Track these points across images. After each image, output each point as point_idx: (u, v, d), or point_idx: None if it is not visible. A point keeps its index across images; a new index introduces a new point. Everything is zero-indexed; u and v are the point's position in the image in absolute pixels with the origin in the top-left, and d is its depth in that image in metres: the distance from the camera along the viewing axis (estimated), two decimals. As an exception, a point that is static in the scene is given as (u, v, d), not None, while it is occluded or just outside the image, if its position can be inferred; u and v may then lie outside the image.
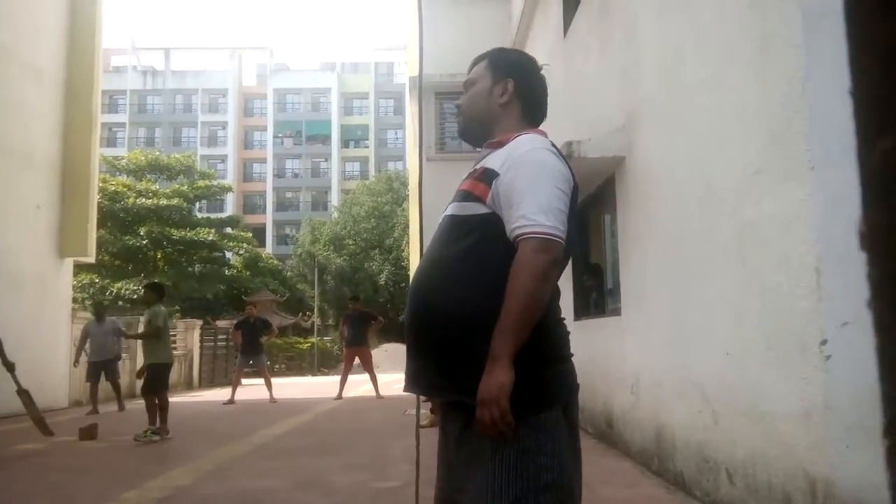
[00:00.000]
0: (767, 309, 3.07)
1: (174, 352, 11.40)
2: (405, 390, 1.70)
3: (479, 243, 1.57)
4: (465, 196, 1.63)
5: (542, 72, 1.86)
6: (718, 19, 3.66)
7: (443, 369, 1.57)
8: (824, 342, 2.61)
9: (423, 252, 1.77)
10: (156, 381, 7.48)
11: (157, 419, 7.33)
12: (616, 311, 5.51)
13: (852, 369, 2.51)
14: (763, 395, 3.10)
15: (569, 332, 1.65)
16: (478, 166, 1.69)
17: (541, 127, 1.83)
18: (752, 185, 3.24)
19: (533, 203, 1.51)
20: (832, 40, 2.59)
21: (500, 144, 1.69)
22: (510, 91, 1.75)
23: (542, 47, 9.18)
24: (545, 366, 1.55)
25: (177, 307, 27.41)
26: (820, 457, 2.66)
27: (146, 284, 8.37)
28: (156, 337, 7.51)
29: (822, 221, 2.66)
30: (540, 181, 1.54)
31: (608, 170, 5.51)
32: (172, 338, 15.28)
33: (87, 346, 10.83)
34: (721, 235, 3.59)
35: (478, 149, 1.80)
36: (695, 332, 3.97)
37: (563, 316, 1.66)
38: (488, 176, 1.60)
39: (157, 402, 7.38)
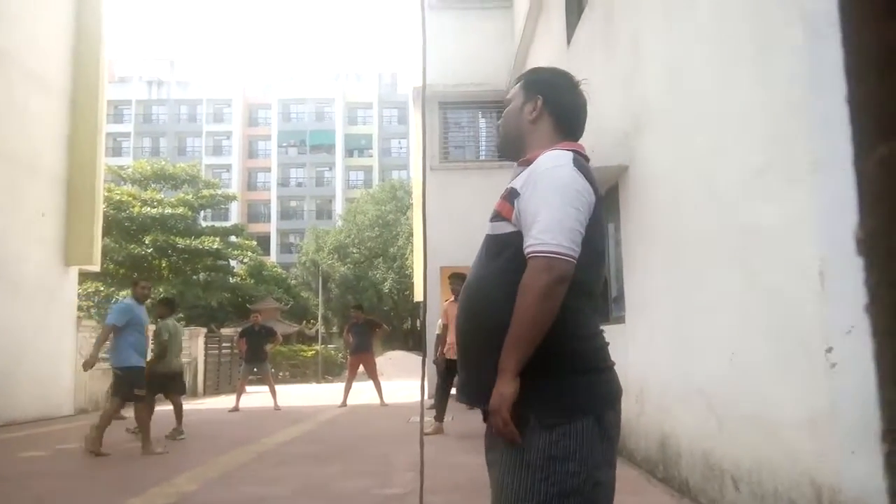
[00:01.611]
0: (772, 315, 3.08)
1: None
2: (457, 400, 1.84)
3: (510, 262, 1.63)
4: (495, 215, 1.70)
5: (581, 86, 1.88)
6: (720, 26, 3.69)
7: (483, 381, 1.64)
8: (830, 349, 2.62)
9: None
10: (177, 384, 8.05)
11: (177, 421, 7.85)
12: (620, 319, 5.52)
13: (858, 376, 2.51)
14: (768, 403, 3.10)
15: (607, 343, 1.70)
16: (509, 185, 1.74)
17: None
18: (754, 191, 3.25)
19: (543, 222, 1.56)
20: (833, 45, 2.61)
21: (530, 162, 1.73)
22: (539, 108, 1.80)
23: (546, 57, 9.22)
24: (575, 377, 1.61)
25: (181, 315, 27.46)
26: (825, 464, 2.66)
27: (160, 300, 8.67)
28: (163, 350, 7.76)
29: (825, 226, 2.66)
30: (552, 200, 1.58)
31: (612, 179, 5.53)
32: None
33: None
34: (724, 242, 3.60)
35: (517, 164, 1.85)
36: (699, 339, 3.97)
37: (601, 329, 1.71)
38: (512, 195, 1.67)
39: (174, 403, 7.92)
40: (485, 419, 1.77)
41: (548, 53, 9.08)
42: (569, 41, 7.64)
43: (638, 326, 5.14)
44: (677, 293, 4.33)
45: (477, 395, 1.70)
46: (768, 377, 3.10)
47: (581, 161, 1.70)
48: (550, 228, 1.54)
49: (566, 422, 1.56)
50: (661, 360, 4.61)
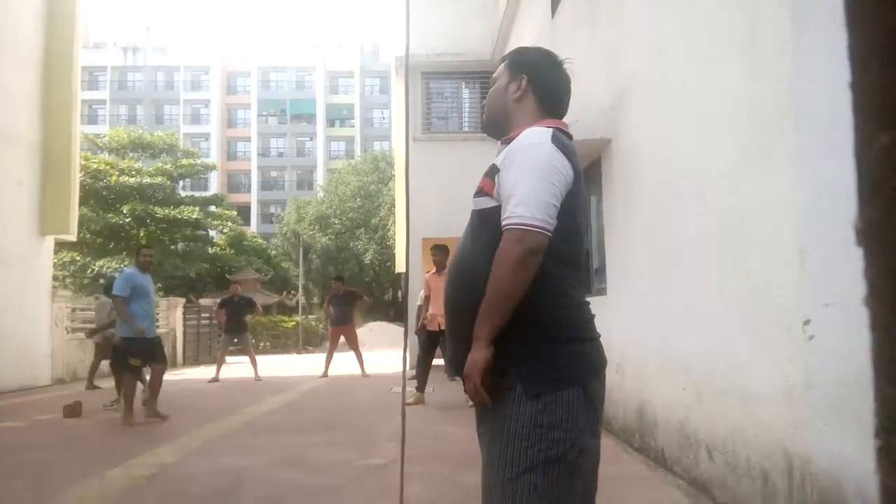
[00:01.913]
0: (751, 290, 3.12)
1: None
2: (445, 372, 1.86)
3: (493, 236, 1.66)
4: (479, 191, 1.75)
5: (565, 65, 1.91)
6: (708, 6, 3.66)
7: (467, 352, 1.68)
8: (807, 322, 2.66)
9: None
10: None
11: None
12: (602, 291, 5.56)
13: (835, 349, 2.56)
14: (746, 374, 3.15)
15: (593, 315, 1.73)
16: (493, 161, 1.78)
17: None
18: (737, 170, 3.26)
19: (518, 196, 1.60)
20: (821, 36, 2.62)
21: (511, 140, 1.77)
22: (523, 86, 1.84)
23: (530, 29, 9.14)
24: (560, 346, 1.65)
25: (159, 285, 27.24)
26: (798, 435, 2.72)
27: (108, 278, 8.76)
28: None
29: (806, 206, 2.69)
30: (528, 175, 1.62)
31: (595, 152, 5.53)
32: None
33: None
34: (706, 218, 3.62)
35: (501, 142, 1.88)
36: (679, 311, 4.02)
37: (586, 300, 1.74)
38: (492, 172, 1.71)
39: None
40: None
41: (532, 26, 9.00)
42: (553, 13, 7.56)
43: (619, 298, 5.18)
44: (658, 267, 4.37)
45: (463, 366, 1.73)
46: (746, 350, 3.15)
47: (561, 137, 1.72)
48: (525, 202, 1.59)
49: (552, 391, 1.60)
50: (641, 332, 4.66)
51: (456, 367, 1.78)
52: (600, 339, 1.74)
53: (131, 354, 6.81)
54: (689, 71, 3.90)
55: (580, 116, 5.59)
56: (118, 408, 7.82)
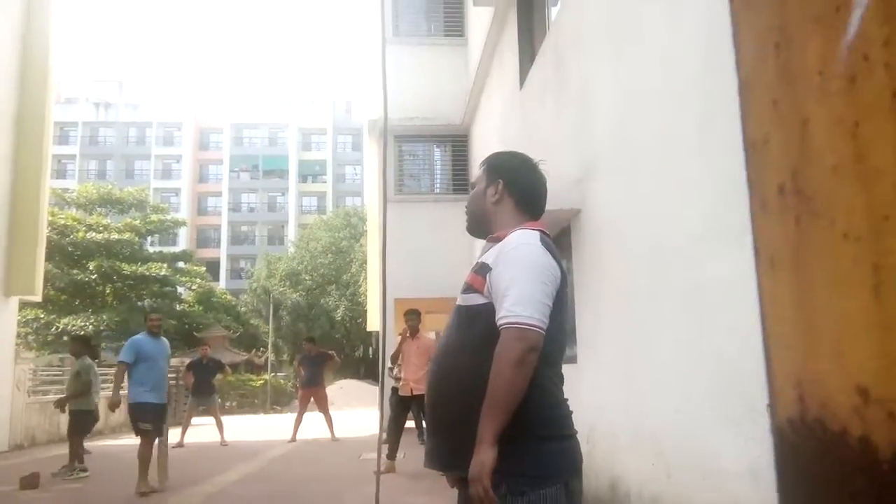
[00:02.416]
0: (716, 369, 3.19)
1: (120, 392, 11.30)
2: (424, 465, 1.87)
3: (481, 332, 1.73)
4: (468, 288, 1.81)
5: (541, 166, 2.03)
6: (665, 87, 3.85)
7: (452, 448, 1.74)
8: (770, 405, 2.72)
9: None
10: (83, 426, 8.26)
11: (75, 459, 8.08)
12: (573, 359, 5.61)
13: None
14: (713, 453, 3.19)
15: (571, 412, 1.78)
16: (480, 259, 1.85)
17: None
18: (697, 249, 3.38)
19: (514, 296, 1.67)
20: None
21: (499, 239, 1.85)
22: (500, 190, 1.94)
23: (499, 96, 9.42)
24: (544, 444, 1.69)
25: (124, 343, 26.60)
26: (767, 514, 2.75)
27: (72, 337, 8.98)
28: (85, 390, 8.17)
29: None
30: (522, 276, 1.70)
31: (564, 221, 5.66)
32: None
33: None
34: (670, 295, 3.72)
35: (486, 241, 1.96)
36: (647, 386, 4.07)
37: (566, 398, 1.80)
38: (483, 270, 1.78)
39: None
40: (452, 485, 1.85)
41: (501, 94, 9.27)
42: (521, 84, 7.82)
43: (589, 367, 5.23)
44: (627, 339, 4.44)
45: (450, 462, 1.78)
46: (713, 428, 3.20)
47: (547, 240, 1.83)
48: (522, 301, 1.66)
49: (536, 489, 1.64)
50: (611, 403, 4.69)
51: (440, 461, 1.82)
52: (577, 434, 1.79)
53: (142, 420, 6.66)
54: (649, 148, 4.06)
55: (550, 186, 5.75)
56: (75, 476, 7.86)
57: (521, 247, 1.76)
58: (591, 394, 5.04)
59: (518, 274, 1.70)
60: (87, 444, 8.78)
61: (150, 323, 7.13)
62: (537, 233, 1.84)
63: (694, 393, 3.40)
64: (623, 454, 4.43)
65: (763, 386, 2.71)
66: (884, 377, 0.58)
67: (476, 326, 1.75)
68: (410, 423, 9.21)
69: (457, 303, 1.86)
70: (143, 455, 6.67)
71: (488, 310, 1.73)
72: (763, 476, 2.78)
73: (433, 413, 1.84)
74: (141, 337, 7.02)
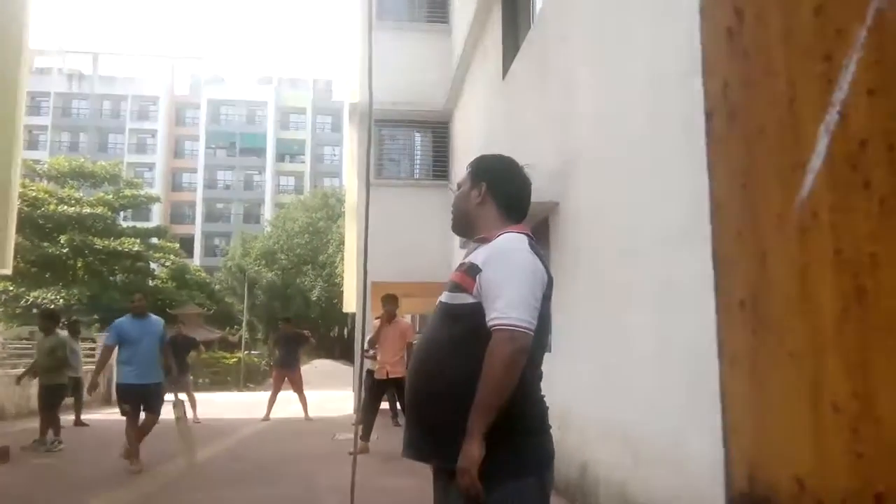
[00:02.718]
0: (686, 362, 3.28)
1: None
2: (403, 455, 1.93)
3: (467, 330, 1.79)
4: (455, 287, 1.86)
5: (526, 170, 2.09)
6: (649, 88, 3.90)
7: (433, 439, 1.82)
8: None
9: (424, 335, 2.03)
10: (56, 399, 8.33)
11: (51, 432, 8.15)
12: (547, 347, 5.69)
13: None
14: (679, 444, 3.29)
15: (548, 408, 1.87)
16: (466, 259, 1.91)
17: None
18: (674, 246, 3.45)
19: (506, 298, 1.73)
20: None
21: (487, 240, 1.92)
22: (483, 193, 2.00)
23: (482, 85, 9.42)
24: (525, 438, 1.78)
25: (96, 317, 26.32)
26: (731, 505, 2.84)
27: (40, 313, 8.95)
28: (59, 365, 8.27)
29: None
30: (514, 279, 1.76)
31: (543, 213, 5.71)
32: (92, 352, 14.98)
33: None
34: (644, 290, 3.80)
35: (472, 241, 2.05)
36: (619, 377, 4.17)
37: (543, 394, 1.88)
38: (473, 271, 1.83)
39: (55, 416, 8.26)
40: (435, 477, 1.91)
41: (484, 82, 9.27)
42: (504, 73, 7.83)
43: (563, 357, 5.31)
44: (600, 331, 4.52)
45: (431, 452, 1.85)
46: (681, 421, 3.30)
47: (534, 244, 1.90)
48: (513, 304, 1.72)
49: (515, 480, 1.73)
50: (583, 392, 4.79)
51: (420, 452, 1.88)
52: (551, 429, 1.87)
53: (123, 400, 6.75)
54: (631, 147, 4.13)
55: (530, 178, 5.79)
56: (46, 449, 7.97)
57: (513, 251, 1.83)
58: (564, 383, 5.12)
59: (509, 277, 1.76)
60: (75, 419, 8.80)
61: (133, 304, 7.10)
62: (526, 237, 1.91)
63: (663, 385, 3.50)
64: (593, 442, 4.54)
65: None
66: (816, 472, 0.71)
67: (462, 324, 1.81)
68: (385, 406, 9.28)
69: (441, 300, 1.91)
70: (127, 433, 6.75)
71: (475, 309, 1.78)
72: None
73: (414, 405, 1.89)
74: (124, 319, 6.99)
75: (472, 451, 1.68)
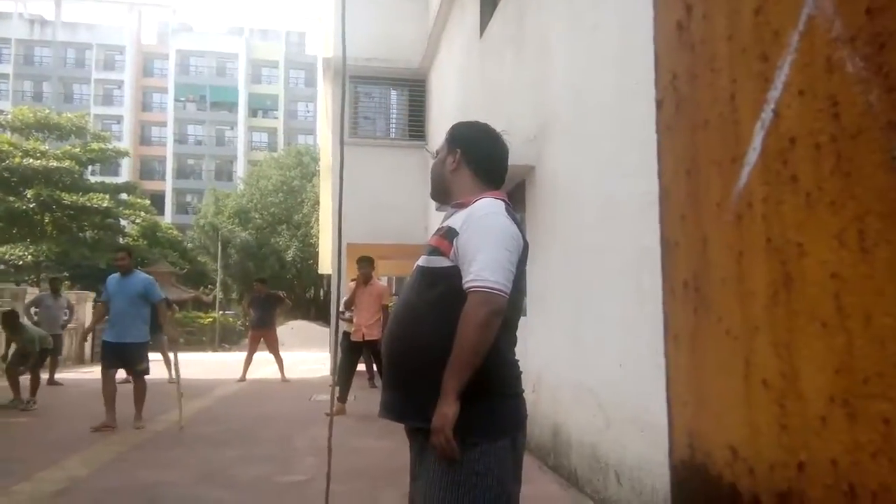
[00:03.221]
0: (658, 329, 3.38)
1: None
2: (379, 415, 1.97)
3: (444, 293, 1.83)
4: (433, 251, 1.89)
5: (504, 136, 2.12)
6: (622, 50, 3.91)
7: (409, 400, 1.86)
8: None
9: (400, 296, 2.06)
10: (24, 361, 8.45)
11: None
12: (522, 312, 5.80)
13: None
14: (650, 408, 3.41)
15: (521, 372, 1.92)
16: (444, 224, 1.94)
17: None
18: (649, 213, 3.52)
19: (481, 261, 1.77)
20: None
21: (464, 206, 1.95)
22: (458, 160, 2.04)
23: (459, 43, 9.32)
24: (499, 400, 1.83)
25: (66, 274, 25.97)
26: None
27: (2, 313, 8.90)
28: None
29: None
30: (490, 242, 1.80)
31: (519, 176, 5.75)
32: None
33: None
34: (618, 255, 3.88)
35: (448, 206, 2.07)
36: (591, 341, 4.27)
37: (517, 359, 1.93)
38: (450, 234, 1.87)
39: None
40: (411, 438, 1.96)
41: (460, 41, 9.18)
42: (481, 33, 7.76)
43: (537, 321, 5.42)
44: (574, 295, 4.62)
45: (408, 413, 1.89)
46: (652, 385, 3.41)
47: (511, 211, 1.94)
48: (489, 267, 1.76)
49: (489, 441, 1.78)
50: (556, 356, 4.90)
51: (397, 413, 1.93)
52: (523, 393, 1.94)
53: (101, 357, 6.92)
54: (605, 112, 4.14)
55: (506, 140, 5.82)
56: (13, 404, 8.08)
57: (490, 216, 1.86)
58: (538, 346, 5.24)
59: (486, 240, 1.80)
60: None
61: (115, 262, 7.11)
62: (502, 203, 1.95)
63: (635, 350, 3.60)
64: (566, 405, 4.67)
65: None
66: (748, 441, 0.80)
67: (438, 287, 1.84)
68: (361, 368, 9.39)
69: (418, 264, 1.94)
70: (104, 391, 6.84)
71: (452, 273, 1.82)
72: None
73: (391, 367, 1.93)
74: (111, 276, 7.04)
75: (447, 410, 1.72)
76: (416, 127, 12.54)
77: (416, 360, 1.84)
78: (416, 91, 12.56)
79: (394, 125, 12.98)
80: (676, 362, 1.01)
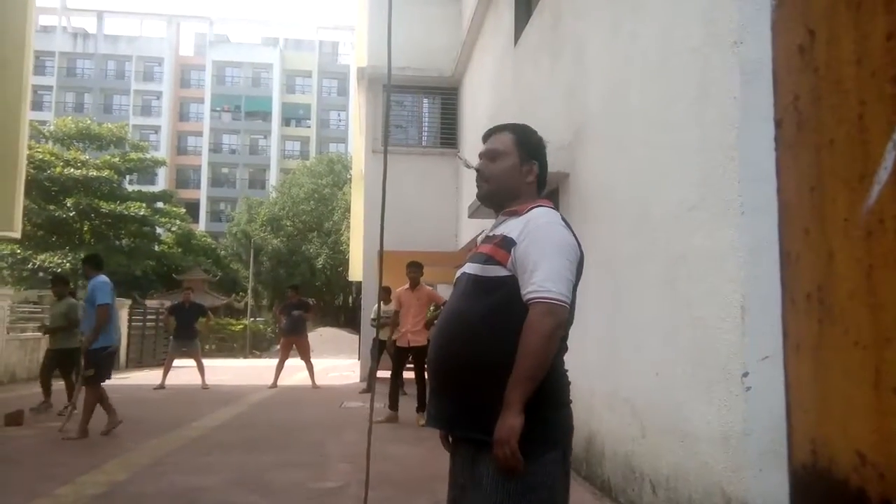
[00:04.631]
0: (695, 338, 3.31)
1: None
2: (427, 426, 1.95)
3: (499, 303, 1.81)
4: (487, 259, 1.87)
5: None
6: (662, 58, 3.86)
7: (463, 409, 1.82)
8: (746, 374, 2.85)
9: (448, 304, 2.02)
10: (69, 366, 8.44)
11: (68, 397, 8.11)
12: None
13: (769, 400, 2.75)
14: (687, 417, 3.34)
15: (570, 382, 1.89)
16: (496, 232, 1.94)
17: None
18: (686, 221, 3.46)
19: (544, 272, 1.75)
20: (765, 94, 2.81)
21: (517, 213, 1.94)
22: (535, 173, 2.03)
23: (493, 50, 9.32)
24: (552, 411, 1.80)
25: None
26: (736, 478, 2.91)
27: (53, 278, 9.00)
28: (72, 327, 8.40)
29: (748, 263, 2.88)
30: (551, 252, 1.78)
31: (553, 183, 5.70)
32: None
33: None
34: (654, 263, 3.82)
35: (500, 214, 2.04)
36: (627, 349, 4.21)
37: (566, 369, 1.91)
38: (507, 244, 1.85)
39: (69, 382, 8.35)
40: (448, 447, 1.93)
41: (495, 49, 9.17)
42: (516, 41, 7.74)
43: (572, 327, 5.35)
44: (609, 304, 4.55)
45: (462, 423, 1.84)
46: (688, 393, 3.35)
47: (565, 220, 1.93)
48: (551, 278, 1.75)
49: (542, 452, 1.76)
50: (591, 363, 4.83)
51: (441, 422, 1.91)
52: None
53: (100, 365, 6.79)
54: (643, 118, 4.10)
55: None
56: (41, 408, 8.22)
57: (549, 225, 1.85)
58: (572, 353, 5.15)
59: (547, 250, 1.78)
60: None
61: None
62: (557, 213, 1.94)
63: (672, 358, 3.53)
64: (600, 413, 4.60)
65: (739, 357, 2.88)
66: (877, 448, 0.77)
67: (494, 297, 1.82)
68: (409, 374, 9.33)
69: (466, 272, 1.92)
70: (90, 404, 6.82)
71: (509, 282, 1.81)
72: (733, 442, 2.94)
73: (441, 375, 1.89)
74: (107, 282, 7.28)
75: (513, 422, 1.69)
76: (447, 135, 12.56)
77: (472, 370, 1.80)
78: (448, 99, 12.59)
79: (426, 133, 13.02)
80: (797, 371, 0.99)
